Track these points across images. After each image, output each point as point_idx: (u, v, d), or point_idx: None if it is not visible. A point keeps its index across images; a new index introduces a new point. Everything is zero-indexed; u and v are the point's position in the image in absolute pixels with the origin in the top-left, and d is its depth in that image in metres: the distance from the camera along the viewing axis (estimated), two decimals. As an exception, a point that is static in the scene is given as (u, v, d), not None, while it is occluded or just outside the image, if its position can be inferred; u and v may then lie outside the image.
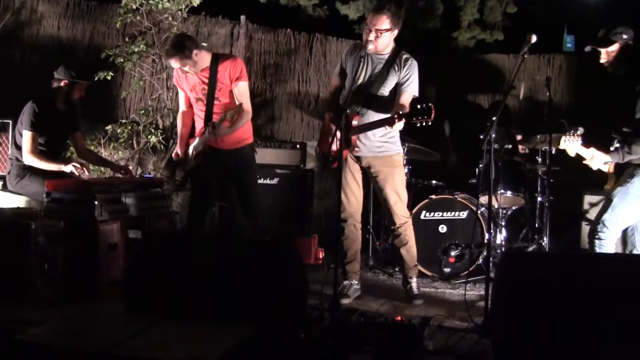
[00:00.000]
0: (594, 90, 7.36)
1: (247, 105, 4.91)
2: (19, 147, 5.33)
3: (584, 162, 4.43)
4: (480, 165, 5.90)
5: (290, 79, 8.30)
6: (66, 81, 5.41)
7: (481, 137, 4.53)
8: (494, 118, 4.11)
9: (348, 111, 4.59)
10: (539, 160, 6.09)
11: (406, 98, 4.71)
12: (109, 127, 7.23)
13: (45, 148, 5.40)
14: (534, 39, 4.10)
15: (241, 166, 5.09)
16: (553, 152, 5.67)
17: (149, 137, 7.24)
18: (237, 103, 4.82)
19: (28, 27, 7.86)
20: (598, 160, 4.36)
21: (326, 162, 4.87)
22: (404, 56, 4.79)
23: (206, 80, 4.91)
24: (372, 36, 4.62)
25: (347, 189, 4.87)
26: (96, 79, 6.92)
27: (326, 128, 4.99)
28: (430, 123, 4.24)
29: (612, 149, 4.40)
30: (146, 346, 3.05)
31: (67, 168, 5.19)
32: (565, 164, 5.82)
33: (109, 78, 7.10)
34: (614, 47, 4.36)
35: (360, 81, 4.76)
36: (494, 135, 4.20)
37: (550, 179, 5.79)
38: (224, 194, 5.37)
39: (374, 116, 4.72)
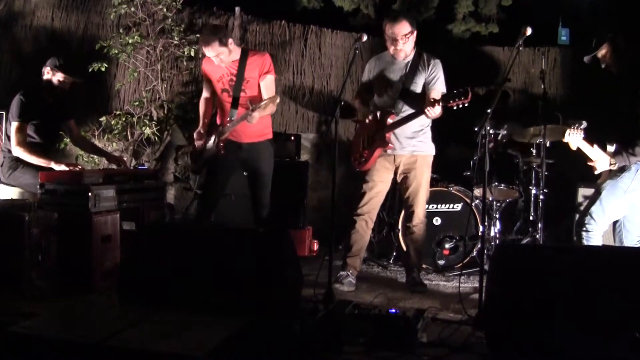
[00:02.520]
0: (589, 83, 7.36)
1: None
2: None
3: (589, 163, 4.44)
4: (475, 158, 5.90)
5: (285, 71, 8.28)
6: (48, 69, 5.40)
7: (475, 129, 4.54)
8: (489, 110, 4.11)
9: (379, 113, 4.82)
10: (533, 152, 6.10)
11: (435, 95, 4.84)
12: (103, 119, 7.21)
13: (37, 139, 5.38)
14: (528, 31, 4.11)
15: (258, 159, 5.12)
16: (547, 144, 5.68)
17: (143, 128, 7.22)
18: (264, 96, 4.92)
19: (21, 18, 7.82)
20: (603, 162, 4.37)
21: (358, 163, 5.02)
22: (427, 56, 4.96)
23: (234, 72, 4.98)
24: (400, 45, 4.81)
25: (374, 187, 4.98)
26: (90, 70, 6.90)
27: (357, 137, 5.13)
28: (467, 104, 4.45)
29: (612, 150, 4.41)
30: (140, 337, 3.05)
31: (58, 167, 5.11)
32: (560, 156, 5.84)
33: (103, 69, 7.09)
34: (605, 49, 4.37)
35: (392, 86, 4.93)
36: (488, 128, 4.21)
37: (545, 172, 5.79)
38: (232, 186, 5.38)
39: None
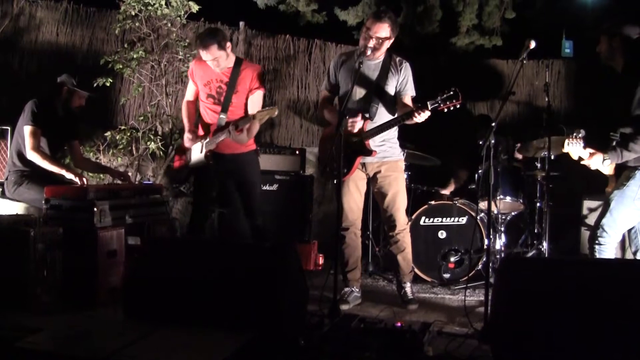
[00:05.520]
0: (593, 95, 7.38)
1: None
2: (18, 154, 5.33)
3: (582, 162, 4.40)
4: (480, 171, 5.90)
5: (289, 85, 8.31)
6: (67, 87, 5.43)
7: (480, 143, 4.54)
8: (493, 124, 4.11)
9: (349, 117, 4.60)
10: (538, 165, 6.09)
11: (407, 100, 4.80)
12: (108, 134, 7.22)
13: (44, 149, 5.39)
14: (532, 44, 4.11)
15: (244, 169, 5.08)
16: (552, 157, 5.67)
17: (148, 143, 7.23)
18: (249, 110, 4.89)
19: (27, 33, 7.87)
20: (596, 159, 4.32)
21: (332, 174, 4.81)
22: (398, 59, 4.85)
23: (225, 80, 4.94)
24: (371, 43, 4.64)
25: (350, 197, 4.87)
26: (95, 85, 6.92)
27: (326, 141, 4.97)
28: (458, 106, 4.39)
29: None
30: (146, 353, 3.05)
31: (69, 175, 5.17)
32: (564, 169, 5.83)
33: (107, 84, 7.10)
34: (611, 39, 4.29)
35: (361, 88, 4.77)
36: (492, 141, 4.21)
37: (549, 184, 5.78)
38: (224, 200, 5.36)
39: (381, 119, 4.75)
